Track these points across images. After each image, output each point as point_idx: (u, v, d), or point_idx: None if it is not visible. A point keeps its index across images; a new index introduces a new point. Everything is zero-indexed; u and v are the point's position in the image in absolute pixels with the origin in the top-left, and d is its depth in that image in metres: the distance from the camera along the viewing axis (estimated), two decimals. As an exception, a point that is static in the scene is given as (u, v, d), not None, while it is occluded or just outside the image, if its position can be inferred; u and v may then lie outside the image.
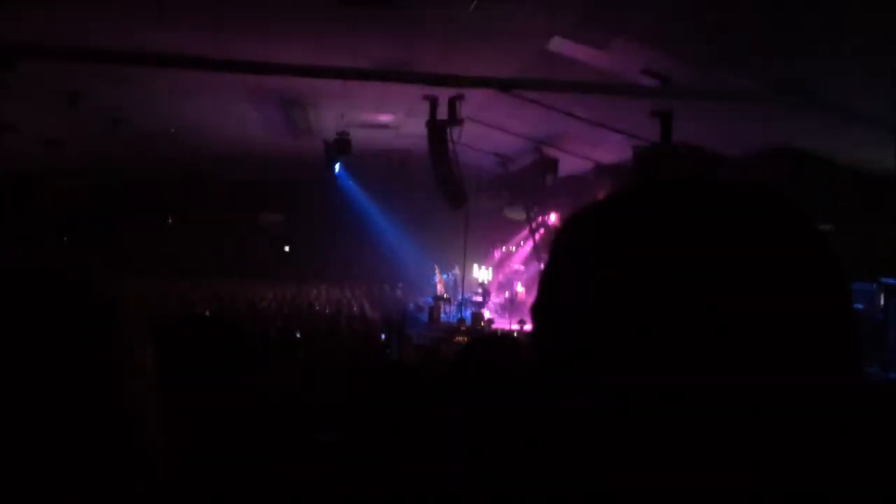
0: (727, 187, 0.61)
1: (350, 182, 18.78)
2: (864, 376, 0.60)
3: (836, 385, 0.56)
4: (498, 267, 20.34)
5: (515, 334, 11.19)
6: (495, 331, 13.49)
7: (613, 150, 11.61)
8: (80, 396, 0.80)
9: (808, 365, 0.55)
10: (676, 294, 0.55)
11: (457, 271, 18.44)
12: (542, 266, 0.67)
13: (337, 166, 15.44)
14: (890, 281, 9.68)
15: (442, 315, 16.09)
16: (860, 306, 9.79)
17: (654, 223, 0.58)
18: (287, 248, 24.09)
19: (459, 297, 17.22)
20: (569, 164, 13.53)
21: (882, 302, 9.69)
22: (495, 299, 18.12)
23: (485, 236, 19.64)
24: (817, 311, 0.56)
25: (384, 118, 12.58)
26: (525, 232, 17.74)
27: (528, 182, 14.52)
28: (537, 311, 0.65)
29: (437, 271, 18.70)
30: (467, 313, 15.77)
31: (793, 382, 0.54)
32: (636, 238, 0.58)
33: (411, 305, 18.04)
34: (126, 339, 0.85)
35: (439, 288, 18.31)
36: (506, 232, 19.56)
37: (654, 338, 0.55)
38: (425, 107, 10.10)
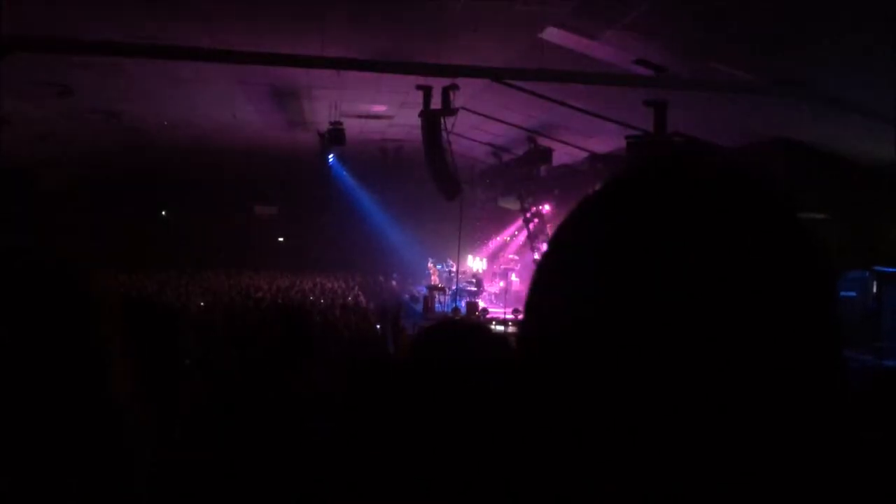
0: (715, 179, 0.61)
1: (344, 172, 18.74)
2: (845, 364, 0.60)
3: (816, 374, 0.56)
4: (492, 257, 20.35)
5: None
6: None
7: (607, 140, 11.61)
8: (69, 390, 0.80)
9: (788, 354, 0.55)
10: (667, 291, 0.55)
11: (450, 262, 18.45)
12: (538, 257, 0.67)
13: (331, 157, 15.40)
14: (883, 269, 9.72)
15: (437, 305, 16.10)
16: (854, 294, 9.82)
17: (647, 221, 0.58)
18: (281, 239, 24.08)
19: (454, 287, 17.23)
20: (563, 154, 13.54)
21: (875, 290, 9.73)
22: (490, 289, 18.13)
23: (479, 226, 19.65)
24: (800, 304, 0.56)
25: (378, 108, 12.55)
26: (519, 222, 17.74)
27: (522, 172, 14.52)
28: (531, 303, 0.65)
29: (431, 261, 18.72)
30: (462, 303, 15.78)
31: (773, 372, 0.55)
32: (630, 237, 0.58)
33: (406, 296, 18.04)
34: (106, 329, 0.84)
35: (434, 278, 18.33)
36: (500, 222, 19.56)
37: (647, 335, 0.55)
38: (419, 97, 10.07)
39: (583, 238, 0.63)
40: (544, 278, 0.65)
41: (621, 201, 0.62)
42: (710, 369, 0.55)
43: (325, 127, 13.05)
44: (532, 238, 16.29)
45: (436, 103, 10.05)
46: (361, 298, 15.35)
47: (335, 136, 12.82)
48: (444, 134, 10.47)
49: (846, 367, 0.60)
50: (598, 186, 0.65)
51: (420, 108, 10.21)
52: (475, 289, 17.26)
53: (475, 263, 19.91)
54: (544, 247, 0.70)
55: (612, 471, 0.57)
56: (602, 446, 0.57)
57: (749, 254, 0.57)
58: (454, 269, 17.88)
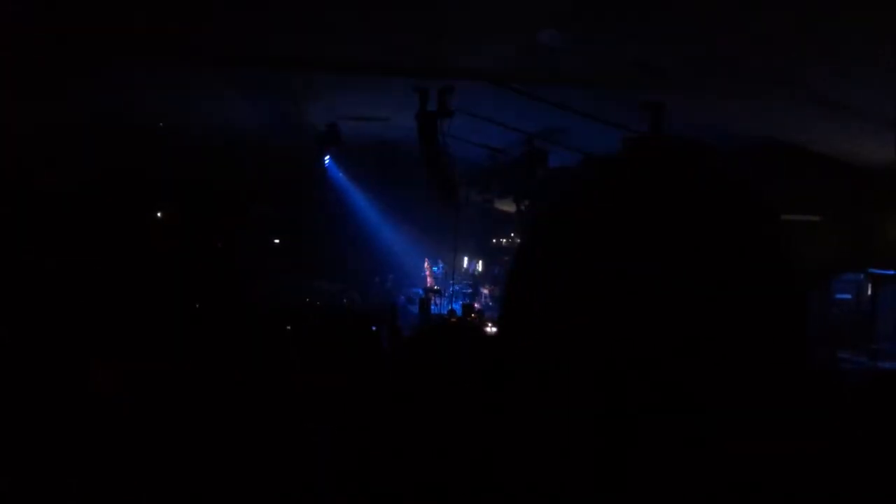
0: (691, 180, 0.61)
1: (340, 174, 18.73)
2: (812, 357, 0.61)
3: (781, 366, 0.57)
4: (489, 259, 20.36)
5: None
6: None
7: (604, 142, 11.62)
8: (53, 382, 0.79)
9: (756, 346, 0.55)
10: (633, 288, 0.55)
11: (441, 264, 18.49)
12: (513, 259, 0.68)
13: (327, 158, 15.40)
14: (878, 271, 9.75)
15: (433, 307, 16.11)
16: (849, 296, 9.85)
17: (616, 220, 0.58)
18: (277, 241, 24.03)
19: (450, 290, 17.25)
20: (559, 156, 13.54)
21: (870, 292, 9.76)
22: (486, 291, 18.14)
23: (475, 228, 19.65)
24: (769, 298, 0.57)
25: (374, 110, 12.54)
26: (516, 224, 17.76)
27: (518, 174, 14.52)
28: (504, 301, 0.66)
29: (426, 264, 18.74)
30: (458, 305, 15.79)
31: (741, 361, 0.55)
32: (597, 236, 0.58)
33: (402, 298, 18.04)
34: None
35: (429, 280, 18.34)
36: (497, 224, 19.57)
37: (614, 324, 0.55)
38: (415, 99, 10.07)
39: (559, 232, 0.63)
40: (520, 271, 0.65)
41: (601, 198, 0.63)
42: (679, 363, 0.55)
43: (320, 128, 13.04)
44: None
45: (432, 105, 10.05)
46: (357, 300, 15.34)
47: (331, 137, 12.82)
48: (440, 136, 10.47)
49: (814, 366, 0.60)
50: (577, 182, 0.65)
51: (416, 109, 10.21)
52: (471, 291, 17.28)
53: (472, 265, 19.94)
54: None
55: (590, 456, 0.57)
56: (577, 432, 0.57)
57: (723, 253, 0.57)
58: (450, 271, 17.91)
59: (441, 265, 18.80)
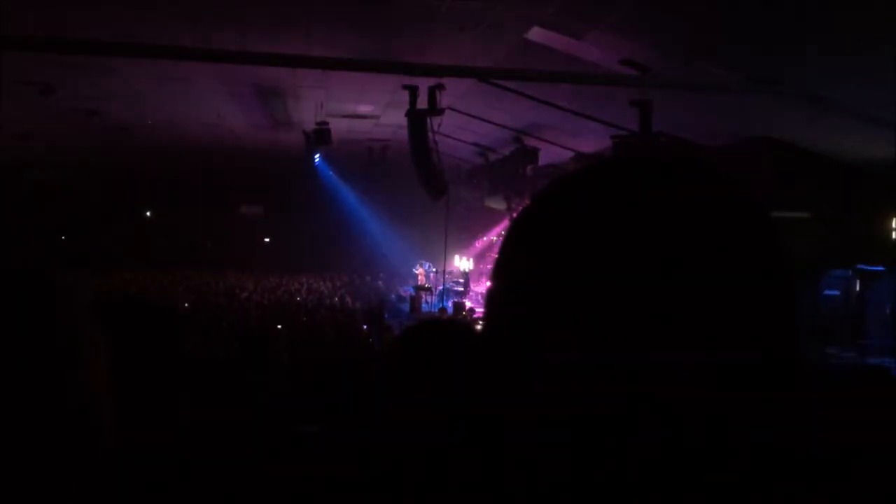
0: (680, 178, 0.61)
1: (330, 173, 18.70)
2: (802, 358, 0.61)
3: (772, 364, 0.57)
4: (479, 257, 20.38)
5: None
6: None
7: (593, 140, 11.65)
8: (27, 388, 0.78)
9: (745, 344, 0.55)
10: (619, 282, 0.55)
11: (427, 264, 18.53)
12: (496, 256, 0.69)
13: (317, 157, 15.36)
14: (866, 268, 9.81)
15: (423, 305, 16.12)
16: (837, 292, 9.91)
17: (599, 214, 0.58)
18: (267, 240, 24.00)
19: (441, 287, 17.26)
20: (549, 154, 13.57)
21: (858, 288, 9.82)
22: (477, 288, 18.16)
23: (466, 226, 19.67)
24: (758, 296, 0.57)
25: (364, 108, 12.53)
26: (506, 221, 17.77)
27: (508, 171, 14.54)
28: (488, 297, 0.66)
29: (417, 262, 18.76)
30: (449, 303, 15.80)
31: (731, 360, 0.55)
32: (581, 230, 0.58)
33: (393, 296, 18.06)
34: (72, 329, 0.83)
35: (420, 278, 18.35)
36: (487, 222, 19.59)
37: (594, 321, 0.55)
38: (405, 96, 10.04)
39: (545, 225, 0.63)
40: (505, 262, 0.65)
41: (585, 192, 0.63)
42: (667, 364, 0.55)
43: (310, 126, 13.01)
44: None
45: (422, 103, 10.02)
46: (348, 299, 15.33)
47: (321, 135, 12.77)
48: (430, 134, 10.45)
49: (806, 366, 0.60)
50: (565, 176, 0.65)
51: (406, 107, 10.19)
52: (462, 289, 17.29)
53: (462, 263, 19.94)
54: None
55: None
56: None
57: (713, 251, 0.57)
58: (440, 268, 17.93)
59: (430, 263, 18.83)
